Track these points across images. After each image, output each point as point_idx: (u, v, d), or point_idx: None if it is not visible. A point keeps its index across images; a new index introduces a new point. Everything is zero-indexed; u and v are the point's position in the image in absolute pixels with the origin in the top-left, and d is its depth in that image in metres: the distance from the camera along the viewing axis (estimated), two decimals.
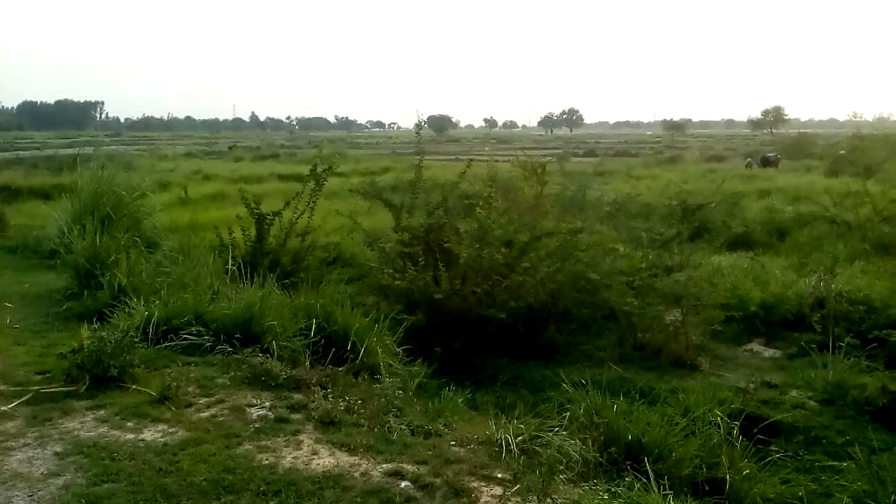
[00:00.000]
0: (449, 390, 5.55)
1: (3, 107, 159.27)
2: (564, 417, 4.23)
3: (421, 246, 8.44)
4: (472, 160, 10.66)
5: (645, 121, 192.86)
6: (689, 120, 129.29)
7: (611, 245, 9.19)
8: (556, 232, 8.56)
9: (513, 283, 7.52)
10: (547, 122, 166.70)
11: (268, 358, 4.85)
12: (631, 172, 25.71)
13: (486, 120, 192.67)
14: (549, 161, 16.86)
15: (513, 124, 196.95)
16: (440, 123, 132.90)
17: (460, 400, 5.36)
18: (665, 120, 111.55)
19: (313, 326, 5.45)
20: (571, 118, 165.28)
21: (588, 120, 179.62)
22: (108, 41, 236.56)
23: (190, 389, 4.34)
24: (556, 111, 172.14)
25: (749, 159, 30.14)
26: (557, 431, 3.94)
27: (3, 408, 4.12)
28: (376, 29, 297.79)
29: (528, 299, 7.45)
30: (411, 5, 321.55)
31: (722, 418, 4.54)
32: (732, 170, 25.87)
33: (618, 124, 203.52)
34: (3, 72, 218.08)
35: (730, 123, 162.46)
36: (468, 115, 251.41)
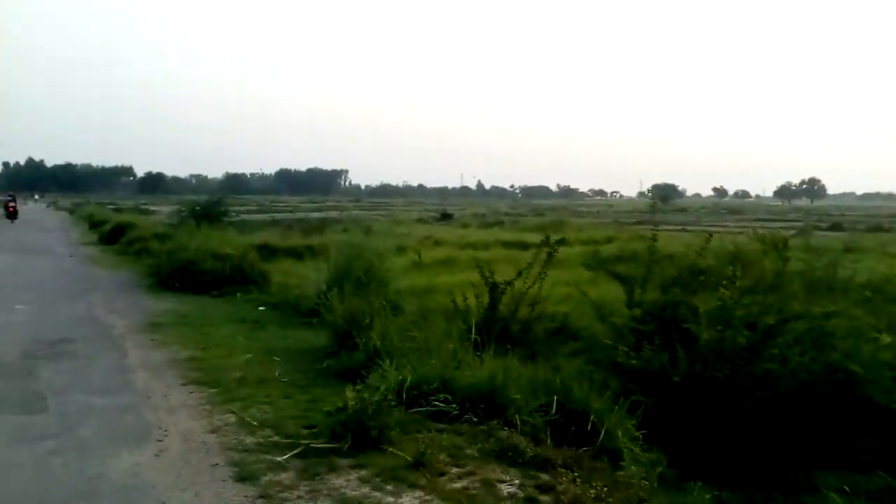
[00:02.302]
0: (693, 484, 5.25)
1: (263, 173, 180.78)
2: None
3: (655, 323, 8.19)
4: (711, 234, 10.23)
5: None
6: None
7: (872, 333, 8.30)
8: (805, 315, 7.92)
9: (758, 370, 7.01)
10: (784, 191, 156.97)
11: (512, 432, 4.92)
12: (886, 249, 23.22)
13: (715, 189, 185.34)
14: (791, 235, 15.75)
15: (745, 194, 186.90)
16: (665, 192, 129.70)
17: (707, 496, 5.04)
18: None
19: (554, 403, 5.45)
20: (812, 188, 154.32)
21: (831, 190, 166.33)
22: (353, 115, 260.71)
23: (441, 457, 4.51)
24: (795, 180, 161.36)
25: None
26: None
27: (278, 458, 4.55)
28: (597, 98, 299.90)
29: (776, 389, 6.90)
30: (631, 73, 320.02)
31: None
32: None
33: (866, 196, 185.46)
34: (265, 144, 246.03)
35: None
36: (695, 184, 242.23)
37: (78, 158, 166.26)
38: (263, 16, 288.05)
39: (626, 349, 7.88)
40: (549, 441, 5.01)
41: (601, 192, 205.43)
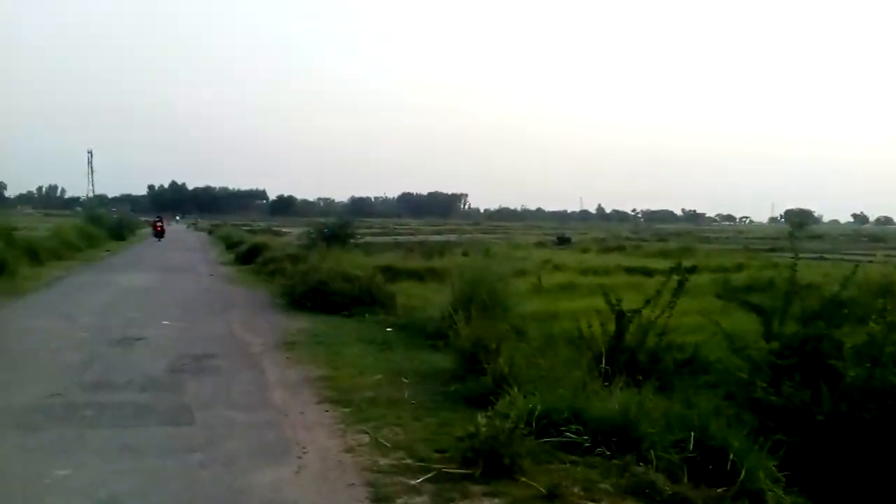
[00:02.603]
0: None
1: (386, 197, 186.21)
2: None
3: (795, 358, 7.76)
4: (857, 263, 9.62)
5: None
6: None
7: None
8: None
9: None
10: None
11: (648, 468, 4.77)
12: None
13: (854, 215, 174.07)
14: None
15: (888, 220, 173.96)
16: (800, 218, 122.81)
17: None
18: None
19: (691, 439, 5.25)
20: None
21: None
22: (473, 139, 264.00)
23: (575, 490, 4.44)
24: None
25: None
26: None
27: (412, 482, 4.62)
28: (726, 116, 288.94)
29: None
30: (765, 88, 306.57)
31: None
32: None
33: None
34: (388, 168, 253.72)
35: None
36: (833, 209, 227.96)
37: (216, 182, 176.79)
38: (387, 42, 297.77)
39: (764, 385, 7.51)
40: (685, 479, 4.83)
41: (729, 218, 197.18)
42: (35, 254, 21.91)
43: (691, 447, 5.21)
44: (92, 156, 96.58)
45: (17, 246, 20.76)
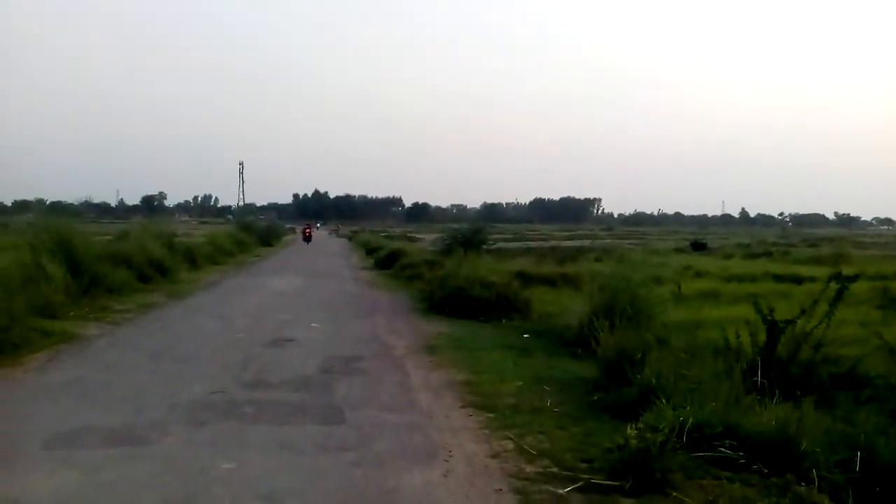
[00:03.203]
0: None
1: (518, 203, 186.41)
2: None
3: None
4: None
5: None
6: None
7: None
8: None
9: None
10: None
11: (811, 488, 4.53)
12: None
13: None
14: None
15: None
16: None
17: None
18: None
19: (858, 459, 4.94)
20: None
21: None
22: (606, 143, 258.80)
23: None
24: None
25: None
26: None
27: (559, 490, 4.62)
28: (881, 111, 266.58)
29: None
30: None
31: None
32: None
33: None
34: (520, 174, 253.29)
35: None
36: None
37: (356, 191, 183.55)
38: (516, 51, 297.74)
39: None
40: (851, 501, 4.55)
41: (888, 221, 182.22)
42: (193, 258, 23.59)
43: (857, 467, 4.90)
44: (243, 167, 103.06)
45: (178, 251, 22.43)
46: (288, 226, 79.40)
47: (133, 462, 5.14)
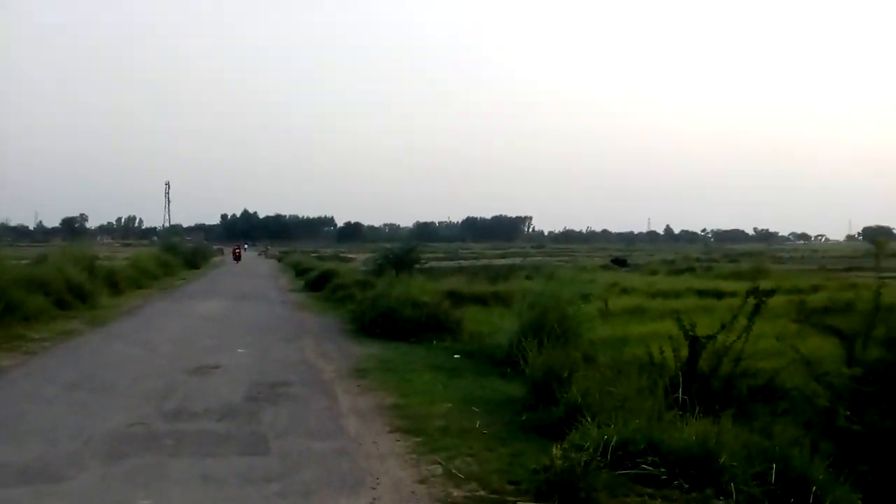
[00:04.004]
0: None
1: (451, 221, 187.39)
2: None
3: (879, 385, 7.45)
4: None
5: None
6: None
7: None
8: None
9: None
10: None
11: (729, 502, 4.65)
12: None
13: None
14: None
15: None
16: (878, 235, 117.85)
17: None
18: None
19: (773, 471, 5.10)
20: None
21: None
22: (537, 162, 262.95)
23: None
24: None
25: None
26: None
27: None
28: (798, 129, 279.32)
29: None
30: (834, 106, 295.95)
31: None
32: None
33: None
34: (452, 195, 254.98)
35: None
36: None
37: (286, 210, 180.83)
38: (446, 69, 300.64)
39: (846, 413, 7.23)
40: None
41: (804, 236, 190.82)
42: (115, 282, 22.78)
43: (773, 479, 5.06)
44: (169, 187, 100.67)
45: (99, 275, 21.62)
46: (216, 247, 77.66)
47: (45, 500, 4.91)
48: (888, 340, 7.69)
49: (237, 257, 58.64)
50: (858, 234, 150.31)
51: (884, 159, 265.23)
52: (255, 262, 61.68)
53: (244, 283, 30.97)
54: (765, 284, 19.96)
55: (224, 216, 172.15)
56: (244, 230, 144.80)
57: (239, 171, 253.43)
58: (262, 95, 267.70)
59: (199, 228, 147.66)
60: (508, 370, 9.33)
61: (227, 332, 14.37)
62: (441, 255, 57.92)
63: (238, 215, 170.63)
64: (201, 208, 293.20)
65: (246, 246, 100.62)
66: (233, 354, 11.37)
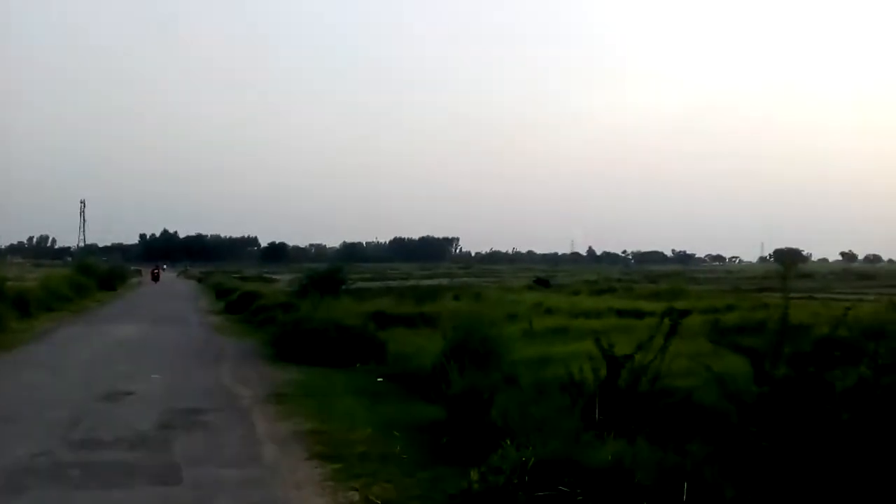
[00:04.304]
0: None
1: (378, 242, 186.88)
2: None
3: (785, 401, 7.74)
4: (848, 308, 9.65)
5: None
6: None
7: None
8: None
9: None
10: None
11: None
12: None
13: (843, 253, 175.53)
14: None
15: (876, 258, 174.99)
16: (788, 257, 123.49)
17: None
18: None
19: (684, 489, 5.21)
20: None
21: None
22: (464, 184, 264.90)
23: None
24: None
25: None
26: None
27: None
28: (714, 158, 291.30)
29: None
30: (756, 130, 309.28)
31: None
32: None
33: None
34: (379, 214, 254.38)
35: None
36: (821, 248, 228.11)
37: (208, 230, 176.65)
38: (376, 86, 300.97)
39: (755, 429, 7.47)
40: None
41: (719, 258, 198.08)
42: (25, 305, 21.71)
43: (685, 497, 5.17)
44: (84, 206, 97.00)
45: (7, 297, 20.59)
46: (134, 268, 75.12)
47: None
48: (794, 358, 8.02)
49: (155, 278, 58.79)
50: (770, 255, 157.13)
51: (792, 189, 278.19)
52: (175, 282, 60.06)
53: (162, 306, 30.03)
54: (682, 304, 20.68)
55: (143, 236, 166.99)
56: (164, 250, 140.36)
57: (158, 191, 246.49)
58: (184, 111, 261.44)
59: (117, 248, 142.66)
60: (432, 393, 9.28)
61: (142, 357, 13.88)
62: (368, 276, 57.46)
63: (157, 235, 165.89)
64: (119, 228, 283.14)
65: (165, 266, 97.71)
66: (147, 380, 10.98)
